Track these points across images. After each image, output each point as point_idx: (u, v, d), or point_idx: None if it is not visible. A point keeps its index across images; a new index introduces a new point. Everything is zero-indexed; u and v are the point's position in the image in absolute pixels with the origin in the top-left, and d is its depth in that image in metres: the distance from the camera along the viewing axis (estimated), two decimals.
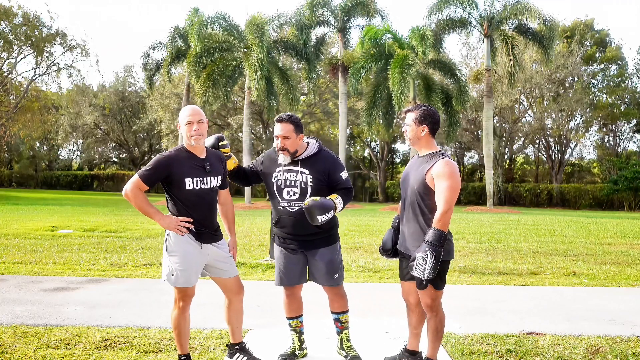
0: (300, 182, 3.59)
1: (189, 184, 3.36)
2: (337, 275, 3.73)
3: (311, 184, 3.59)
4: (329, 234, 3.71)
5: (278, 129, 3.57)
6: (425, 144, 3.45)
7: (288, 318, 3.87)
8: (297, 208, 3.59)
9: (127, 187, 3.35)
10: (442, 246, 3.18)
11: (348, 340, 3.85)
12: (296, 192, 3.59)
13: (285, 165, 3.61)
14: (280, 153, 3.58)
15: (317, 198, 3.47)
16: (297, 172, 3.60)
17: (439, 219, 3.20)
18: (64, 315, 4.83)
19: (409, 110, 3.50)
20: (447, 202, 3.21)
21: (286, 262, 3.73)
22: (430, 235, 3.19)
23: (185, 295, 3.44)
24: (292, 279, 3.75)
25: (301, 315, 3.88)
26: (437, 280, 3.32)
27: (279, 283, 3.79)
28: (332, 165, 3.66)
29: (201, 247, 3.42)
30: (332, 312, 3.84)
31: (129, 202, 3.38)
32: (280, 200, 3.63)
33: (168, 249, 3.41)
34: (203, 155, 3.47)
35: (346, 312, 3.81)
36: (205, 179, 3.41)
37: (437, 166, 3.29)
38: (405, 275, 3.57)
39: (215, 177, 3.48)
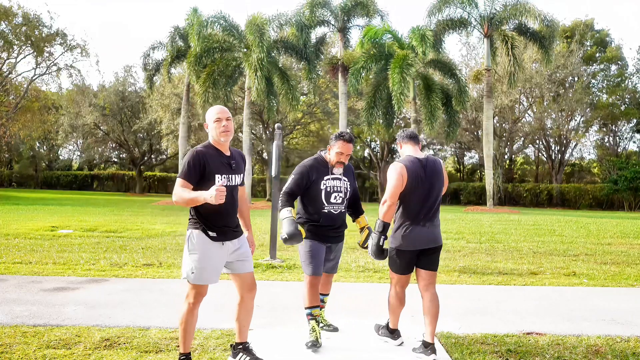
0: (344, 188, 4.25)
1: (219, 180, 3.40)
2: (338, 263, 4.52)
3: (348, 190, 4.28)
4: (344, 230, 4.40)
5: (345, 148, 4.17)
6: (402, 155, 4.18)
7: (311, 307, 4.17)
8: (339, 210, 4.23)
9: (174, 195, 3.35)
10: (382, 232, 3.90)
11: (322, 314, 4.51)
12: (341, 197, 4.23)
13: (331, 174, 4.21)
14: (339, 167, 4.20)
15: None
16: (340, 179, 4.24)
17: (380, 210, 3.92)
18: (64, 315, 4.83)
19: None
20: (384, 196, 3.91)
21: (322, 252, 4.21)
22: (376, 223, 3.95)
23: (197, 293, 3.46)
24: (322, 269, 4.26)
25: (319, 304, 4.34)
26: (391, 262, 4.05)
27: (316, 272, 4.17)
28: (354, 174, 4.44)
29: (222, 245, 3.47)
30: (321, 294, 4.47)
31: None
32: (327, 204, 4.19)
33: (190, 248, 3.44)
34: (228, 153, 3.55)
35: (329, 294, 4.60)
36: (231, 176, 3.49)
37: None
38: None
39: (239, 175, 3.57)
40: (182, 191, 3.33)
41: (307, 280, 4.20)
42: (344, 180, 4.25)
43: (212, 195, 3.18)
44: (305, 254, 4.21)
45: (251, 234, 3.83)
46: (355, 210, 4.47)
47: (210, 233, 3.43)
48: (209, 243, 3.42)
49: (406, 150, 4.11)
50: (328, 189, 4.18)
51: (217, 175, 3.39)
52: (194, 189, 3.35)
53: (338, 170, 4.21)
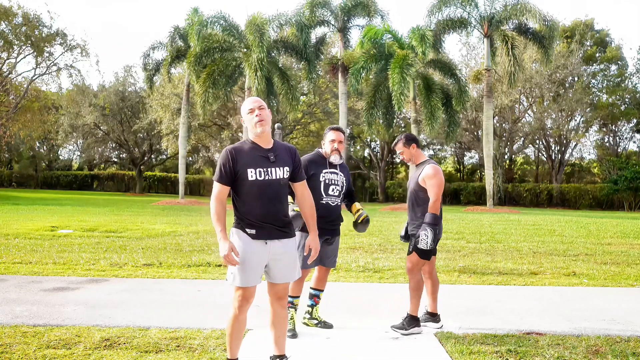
0: (341, 182, 4.54)
1: (252, 174, 3.19)
2: (336, 258, 4.74)
3: (344, 184, 4.60)
4: (340, 224, 4.64)
5: (337, 135, 4.53)
6: (417, 157, 4.73)
7: (295, 297, 4.41)
8: (336, 203, 4.51)
9: (211, 198, 3.25)
10: (437, 225, 4.45)
11: (317, 311, 4.69)
12: (338, 190, 4.53)
13: (328, 167, 4.51)
14: (335, 154, 4.51)
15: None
16: (337, 173, 4.55)
17: (432, 206, 4.44)
18: (64, 315, 4.82)
19: (396, 143, 4.80)
20: (435, 194, 4.47)
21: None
22: (427, 217, 4.45)
23: (241, 296, 3.25)
24: (316, 262, 4.46)
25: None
26: (425, 251, 4.48)
27: (305, 266, 4.33)
28: (349, 172, 4.76)
29: (265, 244, 3.25)
30: (316, 289, 4.68)
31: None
32: (325, 196, 4.45)
33: None
34: (269, 145, 3.30)
35: (324, 290, 4.74)
36: (269, 169, 3.23)
37: (425, 170, 4.55)
38: (408, 251, 4.65)
39: (282, 168, 3.28)
40: (218, 210, 3.20)
41: None
42: (341, 175, 4.55)
43: (222, 254, 3.13)
44: (299, 246, 4.29)
45: (314, 236, 3.47)
46: (350, 199, 4.76)
47: (249, 230, 3.22)
48: (248, 241, 3.21)
49: (422, 154, 4.75)
50: (327, 181, 4.45)
51: (249, 170, 3.19)
52: (233, 189, 3.28)
53: (335, 158, 4.50)
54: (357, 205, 4.71)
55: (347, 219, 5.04)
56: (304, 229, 4.28)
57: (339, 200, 4.52)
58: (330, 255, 4.58)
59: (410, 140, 4.73)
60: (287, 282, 3.39)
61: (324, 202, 4.41)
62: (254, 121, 3.27)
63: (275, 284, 3.36)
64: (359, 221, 4.61)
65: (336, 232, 4.56)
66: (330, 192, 4.44)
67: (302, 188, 3.45)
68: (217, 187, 3.24)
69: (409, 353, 4.01)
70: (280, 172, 3.28)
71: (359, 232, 4.69)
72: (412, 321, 4.47)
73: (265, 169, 3.23)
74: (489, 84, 27.34)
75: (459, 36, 39.82)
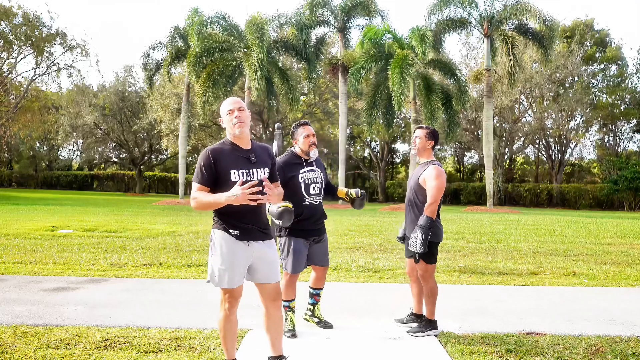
0: (320, 179, 4.47)
1: (234, 176, 3.19)
2: (329, 255, 4.70)
3: (323, 180, 4.52)
4: (324, 221, 4.58)
5: (308, 129, 4.44)
6: (427, 155, 4.60)
7: (289, 300, 4.40)
8: (319, 201, 4.44)
9: (192, 200, 3.20)
10: (430, 228, 4.30)
11: (318, 309, 4.68)
12: (319, 187, 4.45)
13: (306, 166, 4.41)
14: (313, 149, 4.42)
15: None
16: (315, 171, 4.46)
17: (427, 209, 4.33)
18: (64, 315, 4.82)
19: (420, 127, 4.66)
20: (433, 196, 4.34)
21: (303, 251, 4.37)
22: (421, 220, 4.33)
23: (230, 297, 3.27)
24: (304, 265, 4.43)
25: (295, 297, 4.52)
26: (429, 256, 4.41)
27: (295, 270, 4.35)
28: (323, 165, 4.70)
29: (248, 245, 3.25)
30: (316, 289, 4.64)
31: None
32: (307, 196, 4.37)
33: (212, 248, 3.28)
34: (248, 146, 3.31)
35: (323, 288, 4.69)
36: (251, 170, 3.25)
37: (427, 171, 4.43)
38: (406, 253, 4.65)
39: (262, 169, 3.31)
40: (199, 195, 3.16)
41: (287, 277, 4.38)
42: (318, 171, 4.48)
43: (236, 195, 3.03)
44: (288, 251, 4.36)
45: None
46: (331, 189, 4.65)
47: (232, 231, 3.21)
48: (232, 242, 3.21)
49: (432, 153, 4.61)
50: (306, 181, 4.38)
51: (232, 171, 3.18)
52: (212, 191, 3.20)
53: (315, 153, 4.44)
54: (342, 188, 4.61)
55: (335, 217, 5.04)
56: (294, 235, 4.31)
57: (321, 198, 4.46)
58: (322, 254, 4.53)
59: (433, 136, 4.60)
60: (277, 282, 3.38)
61: (307, 202, 4.34)
62: (232, 123, 3.24)
63: (265, 285, 3.35)
64: (358, 196, 4.48)
65: (322, 230, 4.51)
66: (311, 191, 4.37)
67: (276, 186, 3.48)
68: (196, 187, 3.21)
69: (409, 353, 4.01)
70: (261, 173, 3.31)
71: (358, 209, 4.71)
72: (429, 324, 4.46)
73: (247, 170, 3.24)
74: (489, 84, 27.34)
75: (459, 36, 39.90)
